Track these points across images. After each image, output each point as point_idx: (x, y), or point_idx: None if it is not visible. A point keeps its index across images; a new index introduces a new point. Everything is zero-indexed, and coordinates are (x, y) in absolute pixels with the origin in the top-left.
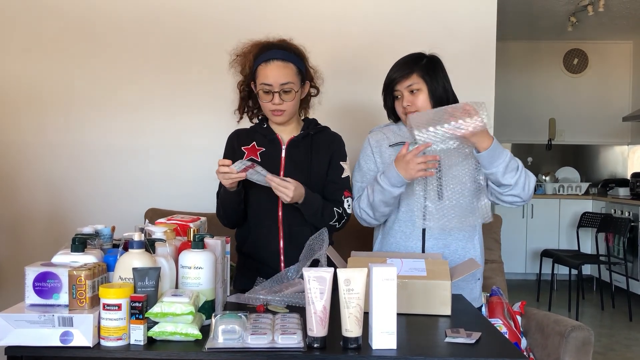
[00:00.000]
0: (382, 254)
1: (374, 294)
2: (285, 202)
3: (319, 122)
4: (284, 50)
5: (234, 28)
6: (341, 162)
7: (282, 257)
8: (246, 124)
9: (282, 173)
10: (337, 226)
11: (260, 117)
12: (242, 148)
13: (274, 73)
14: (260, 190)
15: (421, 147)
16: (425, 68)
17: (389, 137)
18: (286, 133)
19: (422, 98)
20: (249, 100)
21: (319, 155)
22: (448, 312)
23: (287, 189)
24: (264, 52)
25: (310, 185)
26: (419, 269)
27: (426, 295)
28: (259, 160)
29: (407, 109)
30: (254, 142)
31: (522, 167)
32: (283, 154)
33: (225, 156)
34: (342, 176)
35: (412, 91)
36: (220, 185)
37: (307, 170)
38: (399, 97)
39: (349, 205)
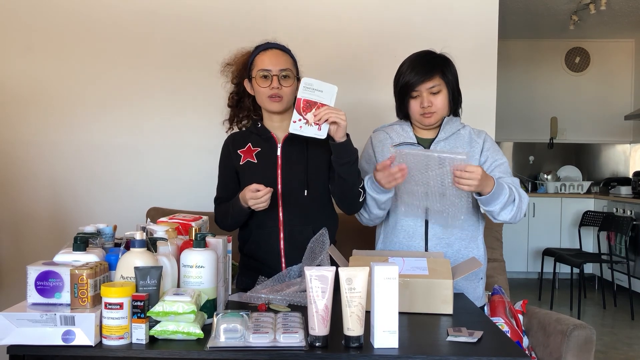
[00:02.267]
0: (384, 252)
1: (375, 292)
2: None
3: None
4: (281, 44)
5: (234, 27)
6: None
7: (283, 259)
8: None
9: (279, 172)
10: (360, 200)
11: (253, 118)
12: (238, 151)
13: (273, 59)
14: None
15: (387, 162)
16: (445, 68)
17: (392, 137)
18: (281, 130)
19: (442, 98)
20: (237, 109)
21: (316, 149)
22: (450, 310)
23: (340, 113)
24: (260, 46)
25: (310, 181)
26: (421, 268)
27: (428, 294)
28: (256, 161)
29: (428, 109)
30: (249, 144)
31: (519, 198)
32: (279, 152)
33: (222, 161)
34: None
35: (433, 92)
36: (222, 192)
37: (304, 167)
38: (417, 96)
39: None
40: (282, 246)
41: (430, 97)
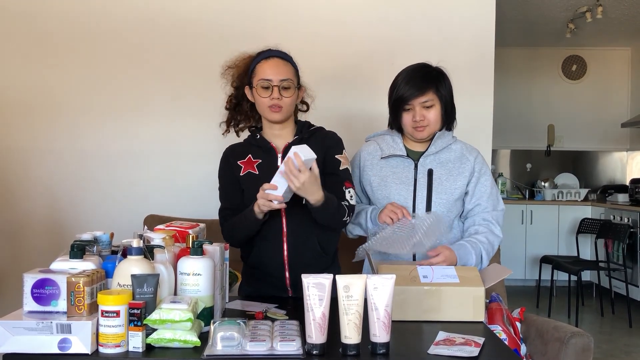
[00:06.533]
0: (413, 263)
1: None
2: (295, 191)
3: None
4: (283, 51)
5: (232, 33)
6: (337, 156)
7: (287, 267)
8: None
9: None
10: (347, 221)
11: (251, 129)
12: (238, 162)
13: (274, 69)
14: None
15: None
16: (439, 84)
17: (383, 148)
18: (281, 139)
19: (435, 113)
20: (234, 112)
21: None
22: (482, 318)
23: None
24: (262, 53)
25: None
26: (450, 276)
27: (460, 302)
28: (257, 172)
29: (420, 123)
30: (250, 155)
31: (486, 255)
32: (279, 163)
33: (222, 172)
34: (341, 168)
35: (426, 106)
36: (227, 202)
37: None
38: (410, 110)
39: (351, 196)
40: (285, 255)
41: (423, 111)
